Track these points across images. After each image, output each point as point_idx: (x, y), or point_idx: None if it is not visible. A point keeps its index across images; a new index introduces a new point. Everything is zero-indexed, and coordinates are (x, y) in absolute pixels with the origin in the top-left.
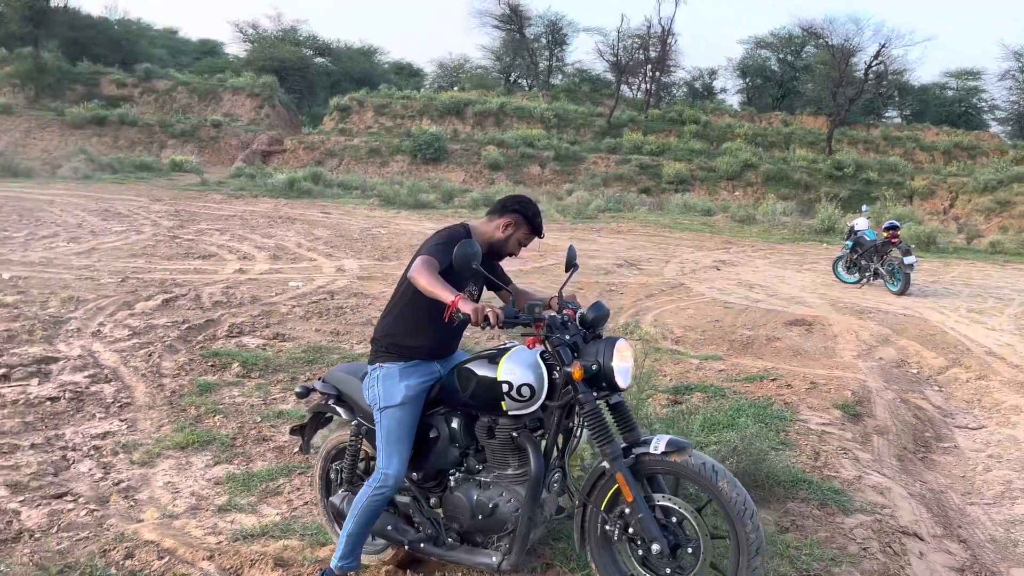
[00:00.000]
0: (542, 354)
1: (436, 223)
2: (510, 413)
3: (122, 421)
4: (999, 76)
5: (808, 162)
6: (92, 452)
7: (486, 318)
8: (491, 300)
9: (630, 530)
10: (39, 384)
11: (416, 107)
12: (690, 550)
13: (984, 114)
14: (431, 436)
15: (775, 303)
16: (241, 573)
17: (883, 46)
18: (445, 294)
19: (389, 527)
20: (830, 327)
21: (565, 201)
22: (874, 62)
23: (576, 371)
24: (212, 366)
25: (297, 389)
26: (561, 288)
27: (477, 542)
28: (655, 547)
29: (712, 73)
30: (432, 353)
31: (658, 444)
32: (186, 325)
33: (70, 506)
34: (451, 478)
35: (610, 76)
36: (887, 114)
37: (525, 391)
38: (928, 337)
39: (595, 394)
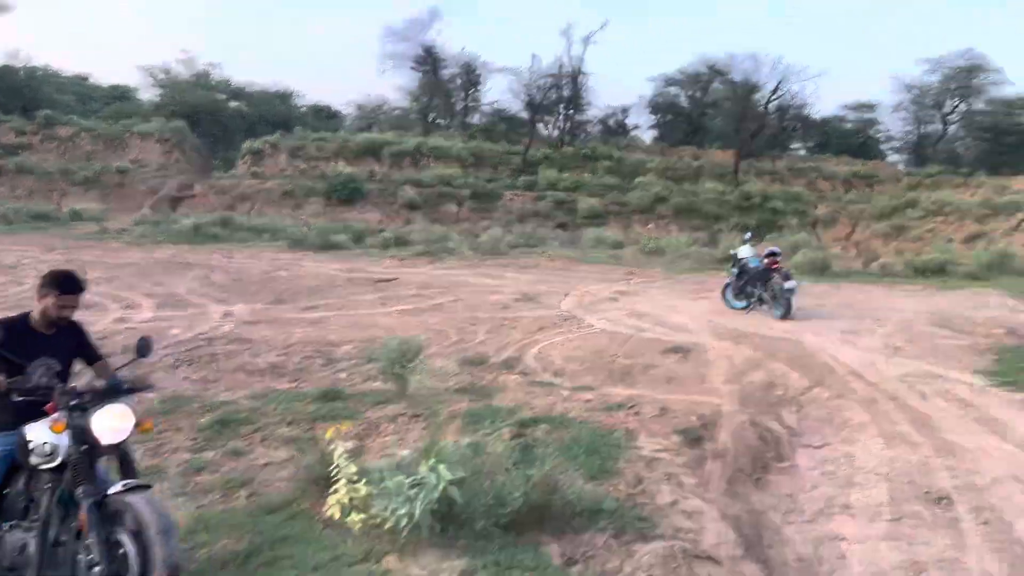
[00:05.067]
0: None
1: (343, 264)
2: (40, 468)
3: None
4: (892, 108)
5: (717, 194)
6: None
7: None
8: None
9: (90, 555)
10: None
11: (331, 149)
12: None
13: (881, 144)
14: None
15: (660, 332)
16: None
17: (781, 81)
18: None
19: None
20: (706, 353)
21: (480, 238)
22: (773, 96)
23: (55, 426)
24: None
25: None
26: (118, 368)
27: None
28: (96, 570)
29: (624, 110)
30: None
31: (117, 486)
32: None
33: None
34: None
35: (525, 115)
36: (792, 146)
37: (47, 448)
38: (798, 359)
39: (82, 446)
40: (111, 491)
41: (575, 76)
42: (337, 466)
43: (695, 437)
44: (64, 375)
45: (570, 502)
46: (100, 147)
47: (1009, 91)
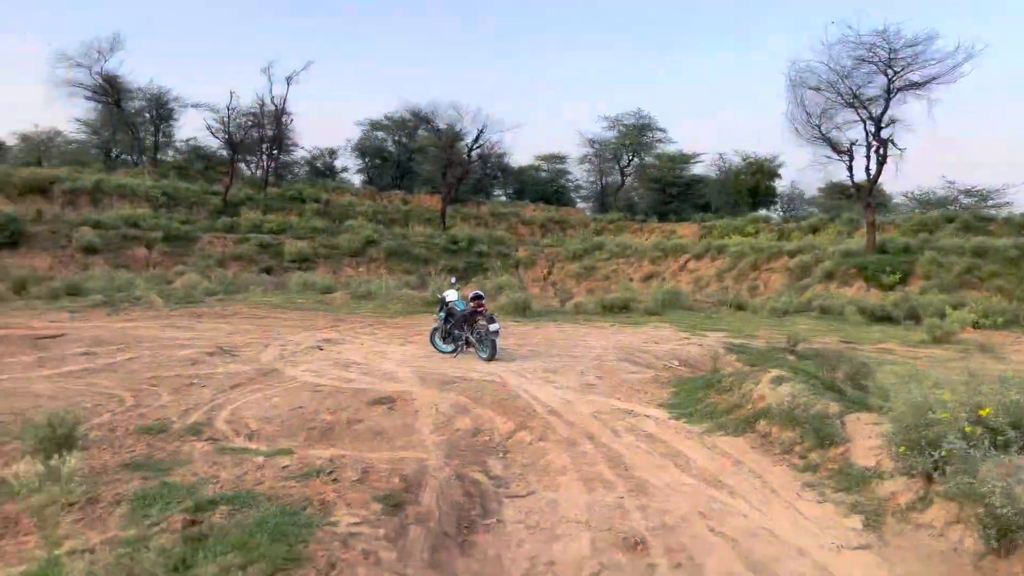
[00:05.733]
0: None
1: None
2: None
3: None
4: (579, 160)
5: (427, 237)
6: None
7: None
8: None
9: None
10: None
11: None
12: None
13: (571, 192)
14: None
15: (367, 381)
16: None
17: (481, 131)
18: None
19: None
20: (413, 402)
21: (174, 284)
22: (475, 144)
23: None
24: None
25: None
26: None
27: None
28: None
29: (332, 152)
30: None
31: None
32: None
33: None
34: None
35: (225, 153)
36: (494, 192)
37: None
38: (502, 402)
39: None
40: None
41: (279, 116)
42: None
43: (397, 502)
44: None
45: None
46: None
47: (672, 148)
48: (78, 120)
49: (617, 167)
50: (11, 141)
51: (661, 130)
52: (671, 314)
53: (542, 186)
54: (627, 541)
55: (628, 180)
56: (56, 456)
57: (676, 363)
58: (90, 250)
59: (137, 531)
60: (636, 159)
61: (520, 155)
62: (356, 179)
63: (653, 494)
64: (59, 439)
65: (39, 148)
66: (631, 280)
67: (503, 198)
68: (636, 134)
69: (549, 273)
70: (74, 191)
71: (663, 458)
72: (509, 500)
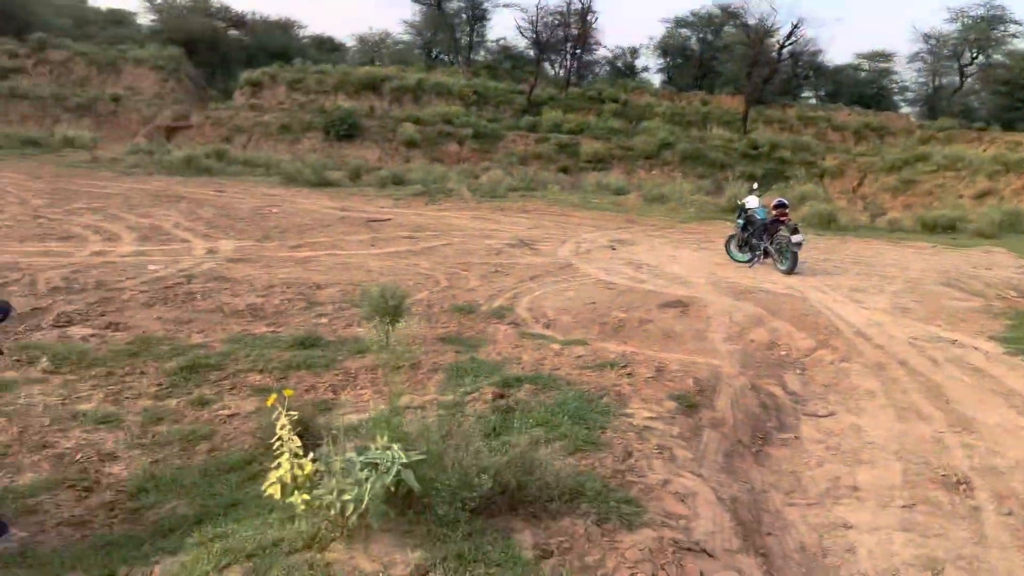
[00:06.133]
0: None
1: (336, 202)
2: None
3: None
4: (909, 58)
5: (725, 141)
6: None
7: None
8: None
9: None
10: None
11: (331, 82)
12: None
13: (894, 95)
14: None
15: (658, 284)
16: None
17: (796, 26)
18: None
19: None
20: (705, 308)
21: (480, 179)
22: (787, 41)
23: None
24: (18, 361)
25: None
26: None
27: None
28: None
29: (634, 52)
30: None
31: None
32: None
33: None
34: None
35: (531, 53)
36: (803, 94)
37: None
38: (802, 317)
39: None
40: None
41: (584, 14)
42: (280, 438)
43: (690, 404)
44: None
45: (547, 484)
46: (94, 73)
47: None
48: (405, 22)
49: (956, 66)
50: (350, 43)
51: (1016, 23)
52: (1009, 239)
53: (860, 88)
54: (947, 479)
55: (968, 82)
56: (387, 324)
57: (1013, 293)
58: (411, 144)
59: (454, 397)
60: (981, 57)
61: (837, 53)
62: (656, 79)
63: (980, 433)
64: (390, 310)
65: (372, 49)
66: (960, 197)
67: (813, 100)
68: (984, 27)
69: (860, 185)
70: (400, 89)
71: (993, 395)
72: (807, 418)
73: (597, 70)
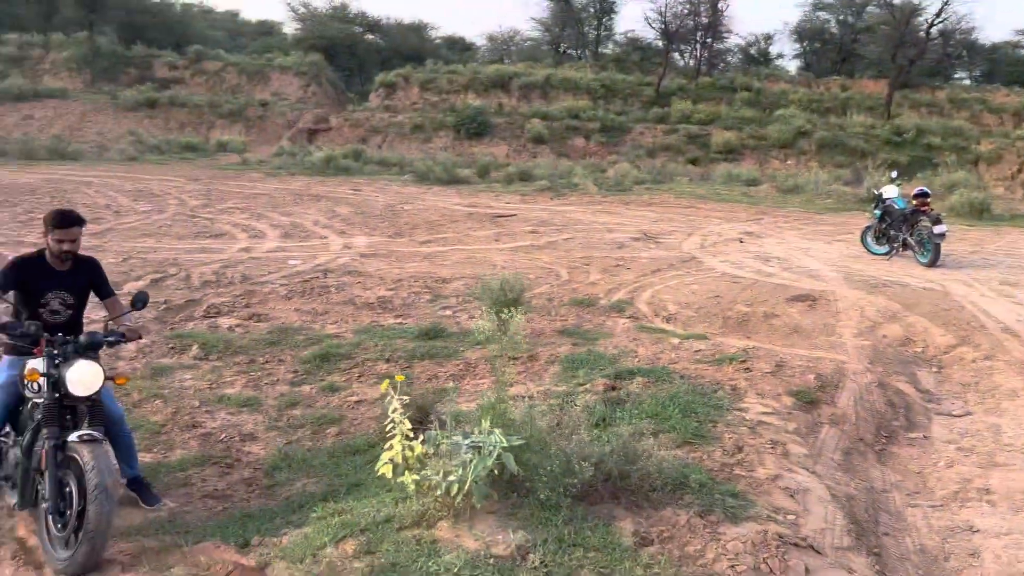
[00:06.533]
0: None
1: (464, 199)
2: (32, 400)
3: None
4: None
5: (866, 128)
6: None
7: None
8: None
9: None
10: None
11: (462, 81)
12: (69, 511)
13: None
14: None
15: (787, 277)
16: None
17: (946, 2)
18: None
19: None
20: (835, 303)
21: (606, 173)
22: (937, 19)
23: (29, 374)
24: (172, 348)
25: None
26: (108, 320)
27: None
28: (45, 505)
29: (768, 38)
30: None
31: (74, 435)
32: (165, 306)
33: None
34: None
35: (660, 44)
36: (955, 75)
37: (40, 383)
38: (942, 313)
39: (55, 394)
40: (70, 438)
41: (715, 2)
42: (392, 421)
43: (810, 400)
44: (79, 307)
45: (650, 473)
46: (244, 81)
47: None
48: (533, 19)
49: None
50: (480, 42)
51: None
52: None
53: (1019, 66)
54: None
55: None
56: (506, 316)
57: None
58: (538, 140)
59: (567, 387)
60: None
61: (994, 29)
62: (791, 66)
63: None
64: (509, 302)
65: (501, 47)
66: None
67: (966, 81)
68: None
69: (1020, 171)
70: (527, 85)
71: None
72: (939, 418)
73: (729, 58)
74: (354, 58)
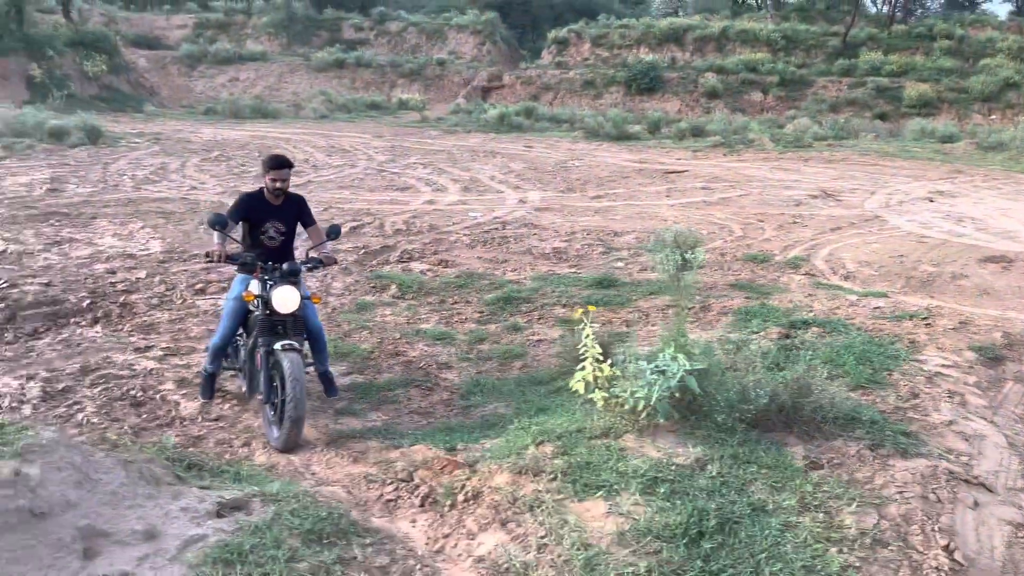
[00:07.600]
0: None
1: (634, 155)
2: (254, 313)
3: None
4: None
5: None
6: None
7: (208, 255)
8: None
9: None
10: None
11: (634, 36)
12: (276, 401)
13: None
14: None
15: (980, 238)
16: (311, 466)
17: None
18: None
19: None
20: None
21: (784, 128)
22: None
23: (246, 295)
24: (374, 287)
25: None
26: (309, 250)
27: None
28: (259, 396)
29: None
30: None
31: (278, 344)
32: (364, 250)
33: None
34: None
35: None
36: None
37: (257, 302)
38: None
39: (267, 312)
40: (275, 346)
41: None
42: (584, 345)
43: (995, 356)
44: (290, 235)
45: (822, 407)
46: (423, 40)
47: None
48: None
49: None
50: None
51: None
52: None
53: None
54: None
55: None
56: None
57: None
58: (712, 94)
59: (740, 336)
60: None
61: None
62: (1001, 11)
63: None
64: (681, 255)
65: (676, 0)
66: None
67: None
68: None
69: None
70: (703, 39)
71: None
72: None
73: (928, 3)
74: (527, 15)
